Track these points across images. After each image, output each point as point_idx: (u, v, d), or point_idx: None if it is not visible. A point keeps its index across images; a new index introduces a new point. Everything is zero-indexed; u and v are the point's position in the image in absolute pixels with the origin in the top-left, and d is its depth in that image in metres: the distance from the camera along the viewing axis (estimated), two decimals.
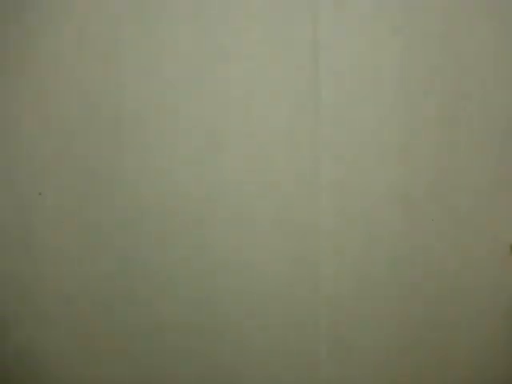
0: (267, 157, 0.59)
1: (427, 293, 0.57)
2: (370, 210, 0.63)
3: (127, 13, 0.59)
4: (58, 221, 0.56)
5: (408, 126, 0.57)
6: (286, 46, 0.50)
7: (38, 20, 0.60)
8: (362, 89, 0.50)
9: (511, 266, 0.65)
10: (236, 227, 0.63)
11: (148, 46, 0.59)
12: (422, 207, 0.62)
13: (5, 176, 0.56)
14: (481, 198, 0.62)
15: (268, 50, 0.50)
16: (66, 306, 0.57)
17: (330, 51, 0.51)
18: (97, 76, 0.60)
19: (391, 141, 0.57)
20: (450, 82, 0.60)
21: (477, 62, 0.61)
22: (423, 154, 0.53)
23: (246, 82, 0.45)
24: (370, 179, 0.61)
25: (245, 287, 0.54)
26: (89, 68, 0.59)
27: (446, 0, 0.45)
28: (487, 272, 0.61)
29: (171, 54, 0.58)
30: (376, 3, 0.50)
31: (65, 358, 0.58)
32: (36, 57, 0.55)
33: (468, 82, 0.61)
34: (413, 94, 0.61)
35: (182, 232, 0.61)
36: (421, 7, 0.50)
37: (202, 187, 0.61)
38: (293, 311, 0.56)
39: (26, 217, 0.56)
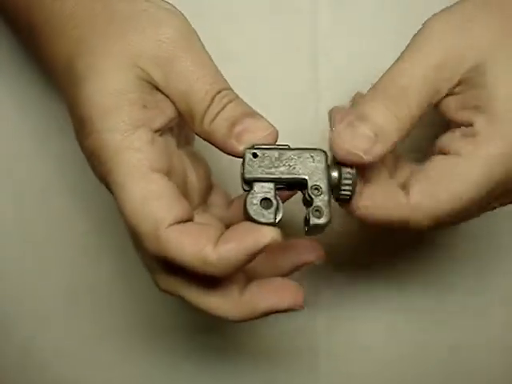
0: None
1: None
2: None
3: None
4: (59, 220, 0.56)
5: None
6: (286, 45, 0.49)
7: None
8: (362, 89, 0.50)
9: None
10: None
11: None
12: None
13: (5, 175, 0.56)
14: None
15: (268, 50, 0.50)
16: (67, 306, 0.57)
17: (330, 51, 0.50)
18: None
19: None
20: None
21: None
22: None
23: (245, 82, 0.45)
24: None
25: None
26: None
27: (447, 0, 0.45)
28: None
29: None
30: (376, 3, 0.50)
31: (65, 358, 0.58)
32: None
33: None
34: None
35: None
36: (421, 7, 0.50)
37: None
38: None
39: (27, 216, 0.56)
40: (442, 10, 0.41)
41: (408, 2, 0.50)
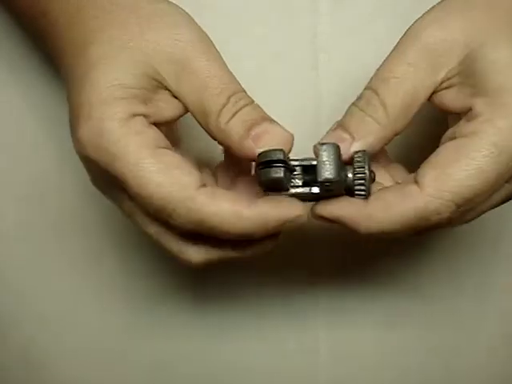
0: None
1: (424, 287, 0.56)
2: None
3: None
4: (60, 222, 0.56)
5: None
6: (286, 45, 0.49)
7: None
8: (362, 89, 0.50)
9: None
10: None
11: None
12: None
13: (5, 175, 0.56)
14: None
15: (267, 50, 0.50)
16: (67, 306, 0.57)
17: (330, 51, 0.50)
18: None
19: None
20: None
21: None
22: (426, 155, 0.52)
23: (245, 82, 0.45)
24: None
25: None
26: None
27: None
28: None
29: None
30: (376, 3, 0.50)
31: (65, 358, 0.58)
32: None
33: None
34: None
35: None
36: (422, 7, 0.50)
37: None
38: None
39: (28, 218, 0.56)
40: (424, 13, 0.42)
41: (408, 2, 0.50)
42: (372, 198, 0.40)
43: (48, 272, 0.57)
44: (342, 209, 0.39)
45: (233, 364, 0.56)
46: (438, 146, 0.42)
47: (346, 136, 0.41)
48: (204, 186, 0.39)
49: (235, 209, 0.37)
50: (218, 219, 0.37)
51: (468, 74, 0.40)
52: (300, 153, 0.42)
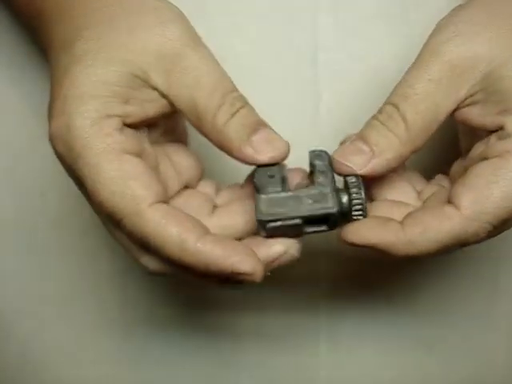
0: None
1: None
2: None
3: None
4: (59, 220, 0.56)
5: None
6: (286, 45, 0.49)
7: None
8: (362, 89, 0.50)
9: None
10: None
11: None
12: None
13: (5, 175, 0.56)
14: None
15: (267, 50, 0.50)
16: (67, 306, 0.57)
17: (330, 52, 0.50)
18: None
19: None
20: None
21: None
22: (425, 155, 0.52)
23: (245, 82, 0.45)
24: None
25: None
26: None
27: (446, 0, 0.45)
28: None
29: None
30: (376, 3, 0.50)
31: (65, 358, 0.58)
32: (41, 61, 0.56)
33: None
34: None
35: None
36: (422, 7, 0.50)
37: None
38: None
39: (27, 217, 0.56)
40: (442, 24, 0.41)
41: (408, 2, 0.50)
42: (408, 221, 0.39)
43: (47, 271, 0.57)
44: (378, 235, 0.38)
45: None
46: (434, 148, 0.42)
47: (366, 148, 0.40)
48: (163, 202, 0.38)
49: (182, 237, 0.36)
50: (160, 241, 0.36)
51: (492, 91, 0.39)
52: (299, 152, 0.42)
